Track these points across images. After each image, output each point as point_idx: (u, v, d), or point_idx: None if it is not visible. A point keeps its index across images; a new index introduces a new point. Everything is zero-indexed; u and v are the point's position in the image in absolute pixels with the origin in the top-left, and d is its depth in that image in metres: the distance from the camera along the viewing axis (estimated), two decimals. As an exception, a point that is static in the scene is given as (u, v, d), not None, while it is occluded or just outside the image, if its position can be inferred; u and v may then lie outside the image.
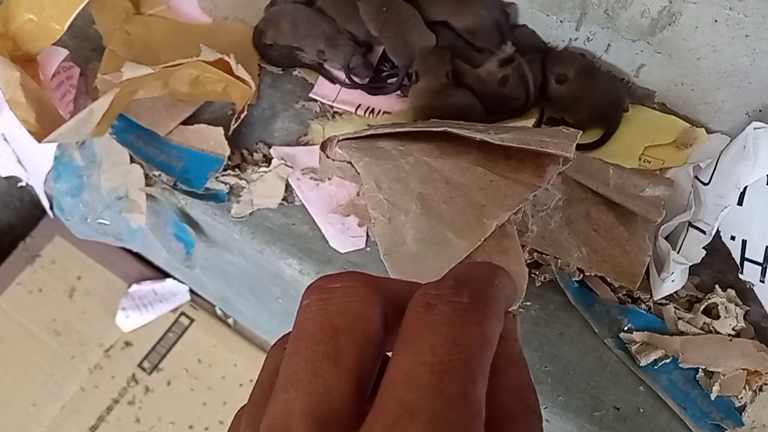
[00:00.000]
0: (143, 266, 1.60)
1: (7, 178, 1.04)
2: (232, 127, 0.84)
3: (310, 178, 0.84)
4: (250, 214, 0.83)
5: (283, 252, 0.81)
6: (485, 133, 0.69)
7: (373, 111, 0.87)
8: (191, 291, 1.59)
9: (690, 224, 0.72)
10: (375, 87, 0.88)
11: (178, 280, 1.57)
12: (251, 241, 0.83)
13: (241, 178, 0.84)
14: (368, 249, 0.81)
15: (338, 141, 0.75)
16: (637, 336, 0.74)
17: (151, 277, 1.59)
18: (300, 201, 0.84)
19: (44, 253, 1.59)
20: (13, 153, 0.99)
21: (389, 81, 0.89)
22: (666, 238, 0.73)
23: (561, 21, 0.80)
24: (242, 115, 0.84)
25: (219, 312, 1.59)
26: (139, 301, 1.55)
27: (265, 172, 0.83)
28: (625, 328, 0.75)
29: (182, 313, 1.56)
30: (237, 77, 0.83)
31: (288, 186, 0.84)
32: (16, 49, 0.85)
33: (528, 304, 0.78)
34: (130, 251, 1.61)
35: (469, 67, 0.82)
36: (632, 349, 0.73)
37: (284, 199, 0.84)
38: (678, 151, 0.78)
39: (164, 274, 1.60)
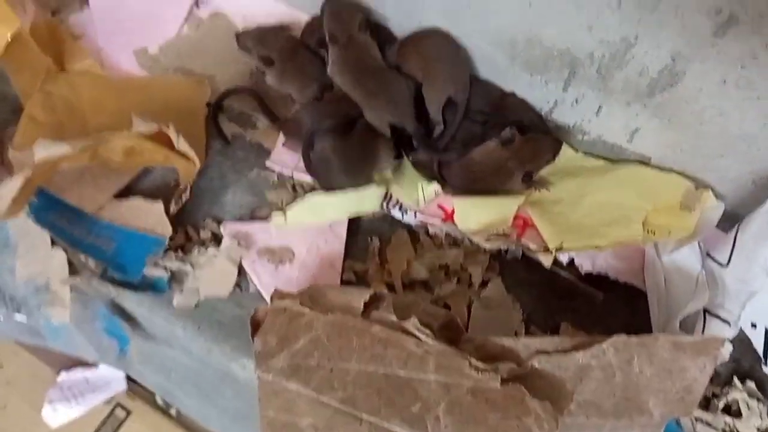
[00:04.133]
0: (74, 350, 1.43)
1: None
2: (174, 209, 0.72)
3: (268, 260, 0.72)
4: (196, 305, 0.70)
5: (235, 351, 0.69)
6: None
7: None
8: (128, 377, 1.41)
9: (707, 311, 0.64)
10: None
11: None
12: (197, 338, 0.69)
13: (186, 262, 0.71)
14: (337, 343, 0.69)
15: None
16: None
17: (83, 363, 1.41)
18: (255, 287, 0.71)
19: (-42, 339, 1.39)
20: None
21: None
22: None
23: (546, 81, 0.72)
24: (184, 197, 0.72)
25: (160, 401, 1.41)
26: (69, 391, 1.36)
27: (215, 254, 0.71)
28: (638, 430, 0.65)
29: (117, 404, 1.38)
30: (178, 152, 0.71)
31: (241, 270, 0.72)
32: None
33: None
34: (59, 333, 1.44)
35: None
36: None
37: (236, 284, 0.71)
38: (684, 215, 0.70)
39: (98, 359, 1.43)
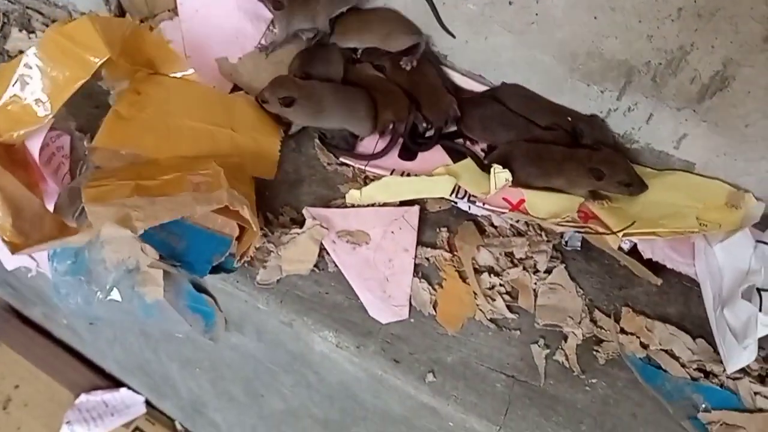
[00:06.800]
0: (94, 375, 1.41)
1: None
2: (237, 266, 0.74)
3: (347, 242, 0.76)
4: (278, 281, 0.74)
5: (317, 323, 0.72)
6: None
7: (408, 174, 0.82)
8: (147, 403, 1.40)
9: (760, 291, 0.69)
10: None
11: (134, 390, 1.39)
12: (279, 311, 0.72)
13: (270, 242, 0.75)
14: (412, 320, 0.73)
15: None
16: (715, 416, 0.68)
17: (103, 386, 1.40)
18: (333, 268, 0.75)
19: (-24, 358, 1.38)
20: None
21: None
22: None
23: (602, 91, 0.80)
24: (244, 258, 0.74)
25: (179, 427, 1.39)
26: (87, 413, 1.34)
27: (297, 233, 0.75)
28: (702, 407, 0.69)
29: (136, 428, 1.35)
30: (244, 219, 0.72)
31: (320, 251, 0.76)
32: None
33: (594, 381, 0.70)
34: (79, 357, 1.42)
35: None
36: (713, 431, 0.67)
37: (315, 265, 0.75)
38: (731, 212, 0.77)
39: (117, 384, 1.41)
